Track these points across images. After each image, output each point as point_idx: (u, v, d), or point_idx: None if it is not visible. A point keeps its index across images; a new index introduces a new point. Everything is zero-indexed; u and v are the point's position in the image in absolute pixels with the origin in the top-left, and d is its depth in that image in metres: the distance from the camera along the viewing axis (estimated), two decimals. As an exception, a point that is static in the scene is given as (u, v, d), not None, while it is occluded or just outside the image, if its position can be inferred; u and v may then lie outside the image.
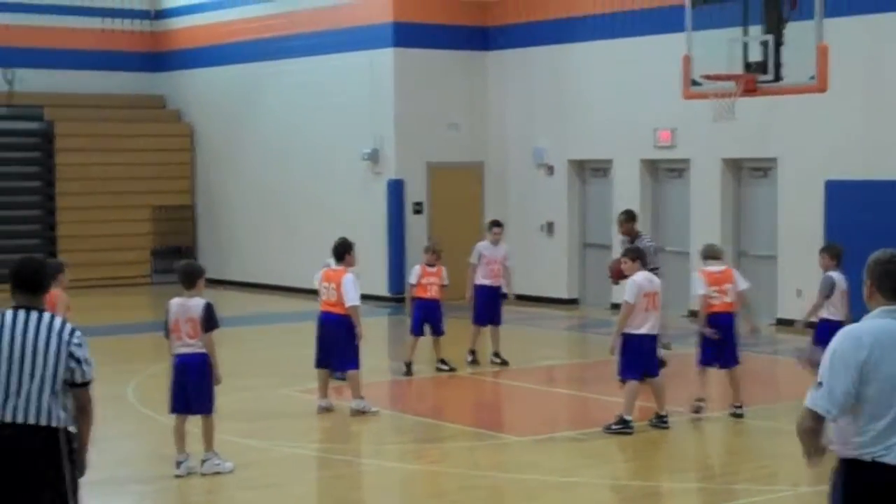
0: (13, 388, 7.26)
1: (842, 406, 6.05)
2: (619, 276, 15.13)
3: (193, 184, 31.77)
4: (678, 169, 24.10)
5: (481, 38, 26.99)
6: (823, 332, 14.07)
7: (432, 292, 17.58)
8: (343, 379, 15.30)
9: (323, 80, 27.57)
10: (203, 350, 11.97)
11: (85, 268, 29.50)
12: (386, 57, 26.27)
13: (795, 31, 16.63)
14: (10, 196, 30.04)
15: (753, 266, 22.15)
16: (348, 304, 14.61)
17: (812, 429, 6.11)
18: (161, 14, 32.58)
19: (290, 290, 27.61)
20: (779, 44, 16.61)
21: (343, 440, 14.27)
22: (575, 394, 17.11)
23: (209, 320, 11.95)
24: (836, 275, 14.54)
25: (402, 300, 18.89)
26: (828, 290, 14.47)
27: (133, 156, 30.73)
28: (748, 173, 23.18)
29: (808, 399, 6.13)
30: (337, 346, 14.81)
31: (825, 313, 14.48)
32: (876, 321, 6.13)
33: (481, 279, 18.36)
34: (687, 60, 17.51)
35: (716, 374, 14.84)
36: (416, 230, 25.98)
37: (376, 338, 20.44)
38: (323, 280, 14.94)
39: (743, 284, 14.75)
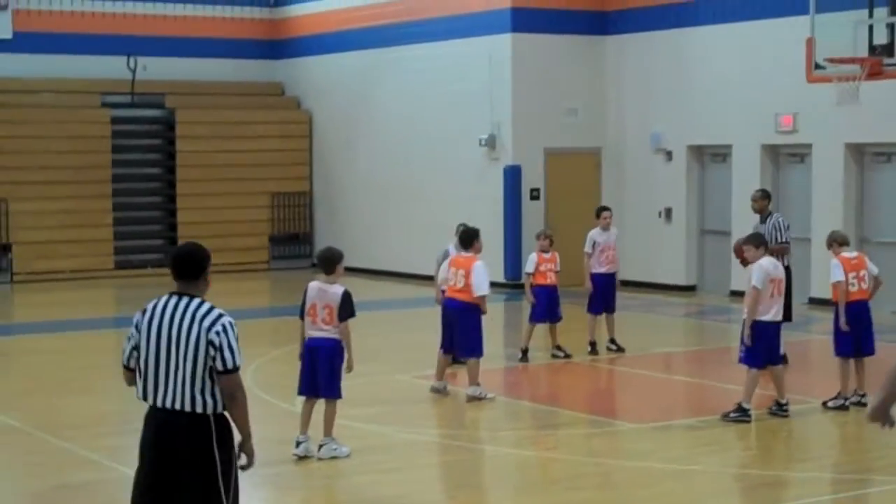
0: (162, 375, 7.35)
1: None
2: (744, 258, 14.83)
3: (311, 170, 32.00)
4: (800, 154, 23.74)
5: (600, 23, 26.81)
6: None
7: (551, 279, 17.52)
8: (462, 363, 15.34)
9: (440, 66, 27.58)
10: (335, 336, 12.07)
11: (205, 253, 29.87)
12: (504, 43, 26.21)
13: (922, 13, 16.33)
14: (133, 183, 30.50)
15: (877, 253, 21.71)
16: (477, 293, 14.69)
17: None
18: (280, 1, 32.83)
19: (406, 276, 27.70)
20: (905, 26, 16.31)
21: (459, 426, 14.28)
22: (692, 381, 16.93)
23: (346, 308, 12.05)
24: None
25: (518, 286, 18.88)
26: None
27: (252, 143, 31.05)
28: (872, 158, 22.76)
29: None
30: (462, 332, 14.85)
31: None
32: None
33: (597, 267, 18.24)
34: (810, 43, 17.26)
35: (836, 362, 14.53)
36: (533, 216, 25.89)
37: (492, 324, 20.40)
38: (451, 266, 14.99)
39: (874, 269, 14.45)
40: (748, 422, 13.47)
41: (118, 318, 24.21)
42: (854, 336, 14.11)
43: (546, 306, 17.49)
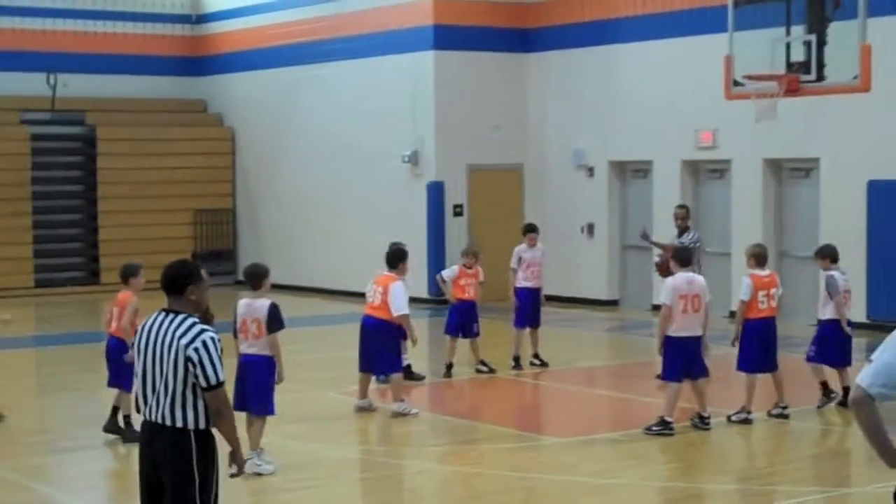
0: (150, 389, 7.46)
1: (883, 380, 5.89)
2: (666, 272, 15.39)
3: (234, 187, 31.89)
4: (720, 170, 24.01)
5: (522, 41, 26.96)
6: (826, 331, 14.32)
7: (469, 293, 17.61)
8: (387, 382, 15.42)
9: (363, 83, 27.60)
10: (265, 352, 12.10)
11: (127, 271, 29.61)
12: (426, 60, 26.29)
13: (838, 31, 16.52)
14: (54, 200, 30.21)
15: (795, 267, 22.05)
16: (396, 312, 14.72)
17: (859, 403, 5.95)
18: (202, 18, 32.73)
19: (331, 292, 27.66)
20: (822, 43, 16.51)
21: (384, 442, 14.29)
22: (615, 395, 17.06)
23: (274, 321, 12.12)
24: (837, 274, 14.71)
25: (443, 302, 18.97)
26: (834, 289, 14.59)
27: (174, 160, 30.89)
28: (790, 174, 23.06)
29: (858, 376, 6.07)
30: (379, 349, 14.89)
31: (827, 314, 14.72)
32: None
33: (522, 282, 18.32)
34: (729, 61, 17.42)
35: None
36: (457, 232, 25.98)
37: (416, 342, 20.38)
38: (372, 283, 15.02)
39: (780, 290, 14.71)
40: (671, 435, 13.59)
41: (38, 337, 24.00)
42: (761, 352, 14.36)
43: (460, 321, 17.59)
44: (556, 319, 22.81)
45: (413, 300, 15.41)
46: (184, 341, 7.33)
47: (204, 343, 7.34)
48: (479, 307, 17.87)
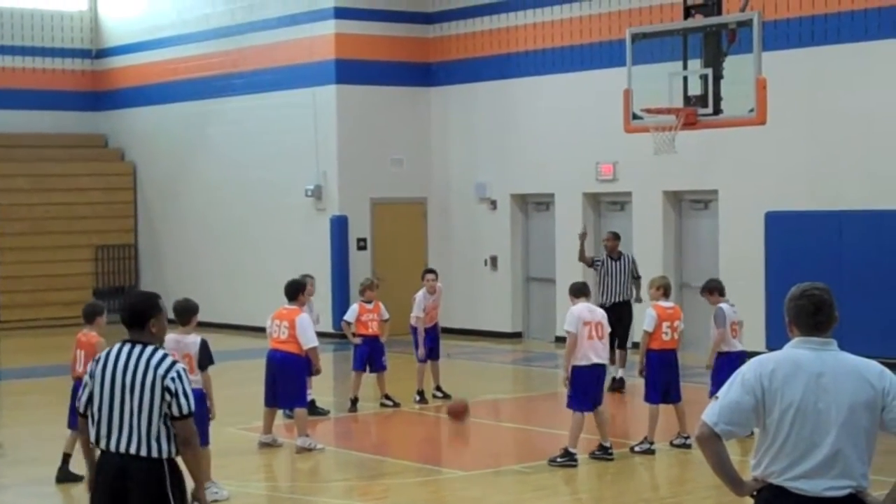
0: (115, 420, 7.42)
1: (728, 418, 6.13)
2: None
3: (136, 223, 31.63)
4: (620, 202, 24.25)
5: (423, 75, 27.09)
6: (724, 365, 14.56)
7: (372, 328, 17.60)
8: (292, 417, 15.37)
9: (266, 117, 27.55)
10: (197, 386, 12.01)
11: (26, 308, 29.31)
12: (328, 94, 26.31)
13: (734, 65, 16.75)
14: (-50, 237, 29.79)
15: (696, 298, 22.24)
16: (307, 346, 14.74)
17: (706, 440, 6.19)
18: (102, 53, 32.48)
19: (234, 327, 27.48)
20: (718, 77, 16.74)
21: (289, 478, 14.23)
22: (520, 427, 17.12)
23: (206, 356, 12.14)
24: (726, 307, 14.99)
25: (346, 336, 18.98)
26: (721, 321, 14.84)
27: (75, 195, 30.59)
28: (689, 205, 23.36)
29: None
30: (284, 383, 14.84)
31: (722, 347, 14.95)
32: (786, 350, 6.24)
33: (422, 324, 18.34)
34: (627, 94, 17.61)
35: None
36: (361, 266, 25.96)
37: (321, 374, 20.33)
38: (274, 318, 14.99)
39: (682, 324, 14.95)
40: (575, 466, 13.68)
41: (-64, 377, 23.57)
42: (664, 383, 14.55)
43: (367, 356, 17.59)
44: (460, 352, 22.86)
45: (318, 334, 15.39)
46: (160, 371, 7.40)
47: (178, 374, 7.45)
48: (383, 342, 17.85)
